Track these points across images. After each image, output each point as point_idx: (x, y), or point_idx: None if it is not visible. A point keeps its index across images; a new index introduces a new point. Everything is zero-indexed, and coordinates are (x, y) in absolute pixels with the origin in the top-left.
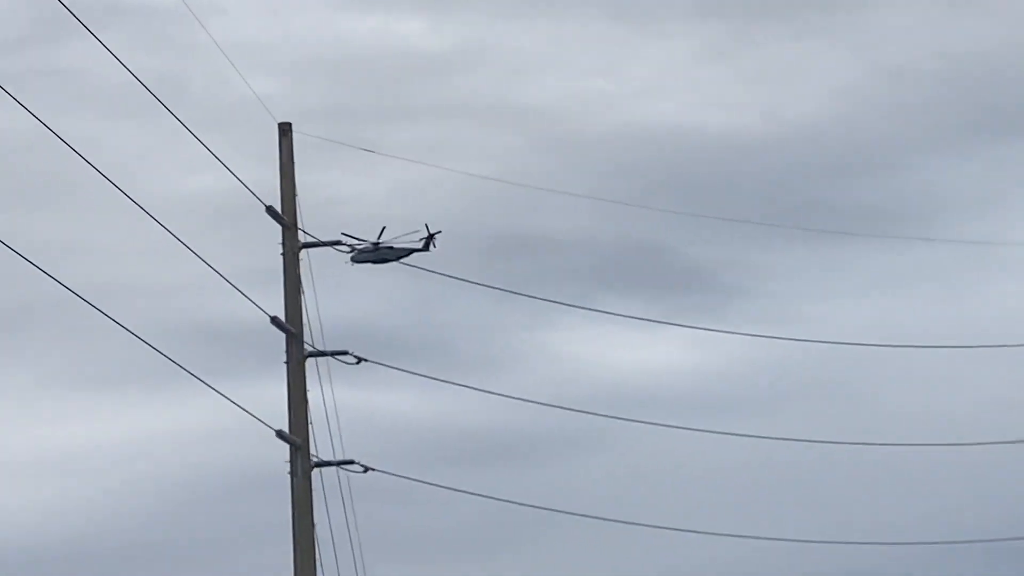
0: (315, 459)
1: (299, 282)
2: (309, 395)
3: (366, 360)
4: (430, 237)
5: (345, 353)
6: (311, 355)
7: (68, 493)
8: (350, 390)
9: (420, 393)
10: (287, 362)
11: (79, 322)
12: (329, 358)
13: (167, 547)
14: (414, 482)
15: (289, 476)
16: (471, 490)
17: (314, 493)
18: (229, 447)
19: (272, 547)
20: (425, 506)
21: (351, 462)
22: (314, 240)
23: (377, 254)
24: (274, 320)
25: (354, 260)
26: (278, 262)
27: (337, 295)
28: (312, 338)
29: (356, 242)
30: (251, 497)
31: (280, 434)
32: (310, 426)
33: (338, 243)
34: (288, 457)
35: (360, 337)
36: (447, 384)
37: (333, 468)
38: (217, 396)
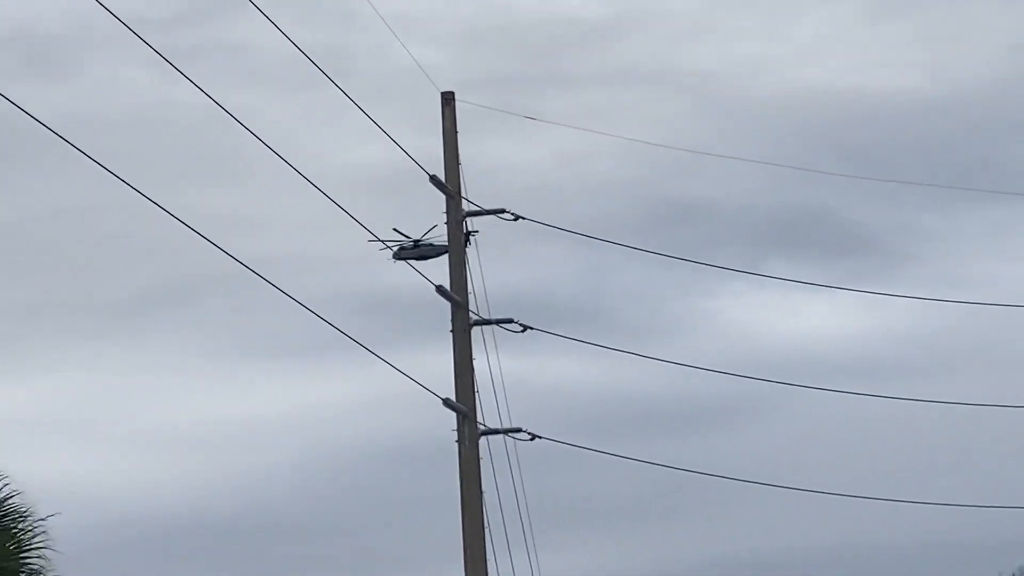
0: (482, 427)
1: (464, 251)
2: (475, 363)
3: (531, 328)
4: (467, 235)
5: (510, 321)
6: (476, 323)
7: (238, 464)
8: (516, 358)
9: (586, 361)
10: (453, 331)
11: (249, 294)
12: (494, 326)
13: (336, 516)
14: (581, 450)
15: (456, 444)
16: (638, 457)
17: (481, 461)
18: (396, 416)
19: (441, 514)
20: (592, 474)
21: (518, 430)
22: (478, 209)
23: (418, 251)
24: (439, 289)
25: (396, 257)
26: (443, 231)
27: (502, 263)
28: (477, 307)
29: (401, 240)
30: (419, 465)
31: (447, 402)
32: (476, 394)
33: (502, 211)
34: (455, 425)
35: (525, 305)
36: (613, 351)
37: (500, 436)
38: (384, 365)
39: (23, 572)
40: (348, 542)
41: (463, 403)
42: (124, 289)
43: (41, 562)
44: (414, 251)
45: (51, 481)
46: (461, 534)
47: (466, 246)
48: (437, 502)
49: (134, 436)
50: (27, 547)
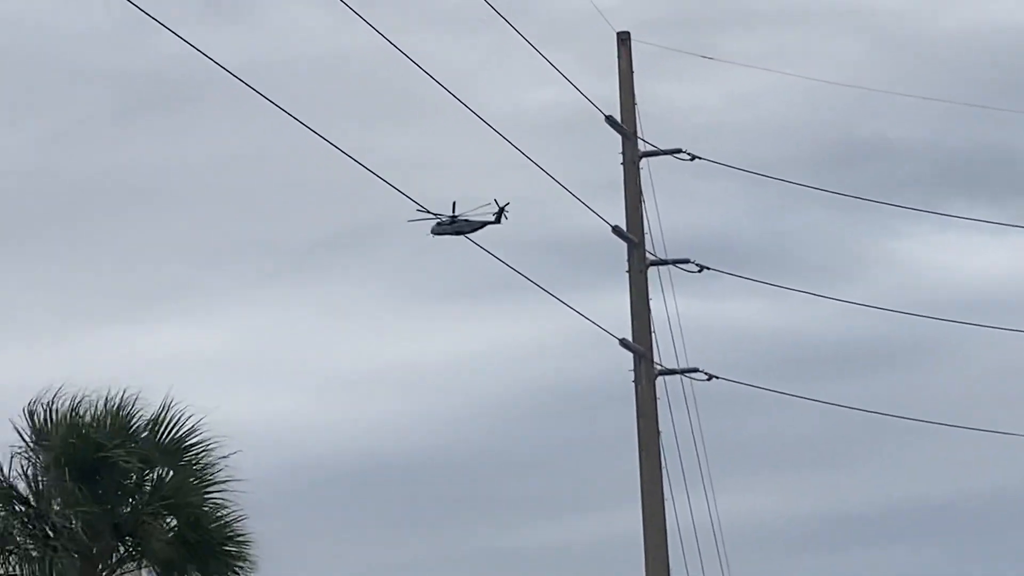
0: (659, 367)
1: (640, 191)
2: (651, 304)
3: (708, 268)
4: (501, 210)
5: (687, 261)
6: (653, 264)
7: (417, 405)
8: (692, 299)
9: (762, 301)
10: (629, 271)
11: (428, 237)
12: (671, 267)
13: (514, 457)
14: (758, 390)
15: (633, 384)
16: (816, 398)
17: (658, 401)
18: (573, 357)
19: (618, 455)
20: (769, 415)
21: (695, 370)
22: (654, 149)
23: (455, 227)
24: (616, 230)
25: (433, 232)
26: (619, 172)
27: (678, 204)
28: (653, 247)
29: (431, 216)
30: (596, 406)
31: (624, 343)
32: (653, 335)
33: (678, 151)
34: (632, 366)
35: (702, 245)
36: (790, 292)
37: (677, 376)
38: (562, 307)
39: (206, 507)
40: (525, 483)
41: (640, 343)
42: (307, 233)
43: (223, 497)
44: (451, 226)
45: (235, 420)
46: (638, 474)
47: (498, 222)
48: (614, 442)
49: (316, 377)
50: (210, 483)
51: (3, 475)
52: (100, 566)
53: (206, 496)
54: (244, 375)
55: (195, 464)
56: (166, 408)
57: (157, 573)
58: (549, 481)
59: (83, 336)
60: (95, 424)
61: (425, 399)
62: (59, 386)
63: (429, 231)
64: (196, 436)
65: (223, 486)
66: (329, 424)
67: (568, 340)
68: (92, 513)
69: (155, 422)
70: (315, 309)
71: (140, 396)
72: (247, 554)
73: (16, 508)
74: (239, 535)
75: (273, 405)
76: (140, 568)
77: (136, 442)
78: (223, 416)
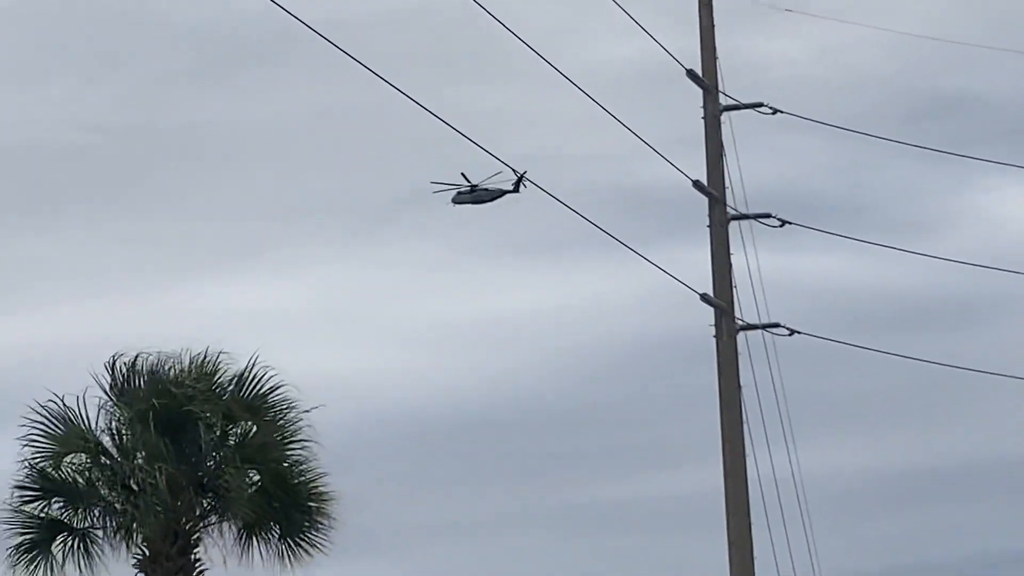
0: (740, 322)
1: (721, 146)
2: (732, 259)
3: (790, 223)
4: (519, 179)
5: (768, 216)
6: (734, 218)
7: (496, 360)
8: (773, 253)
9: (845, 256)
10: (710, 226)
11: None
12: (752, 221)
13: (594, 412)
14: (841, 345)
15: (714, 340)
16: (900, 353)
17: (739, 356)
18: (654, 313)
19: (699, 410)
20: (852, 370)
21: (776, 325)
22: (735, 103)
23: (475, 195)
24: (696, 184)
25: (454, 202)
26: (700, 127)
27: (759, 158)
28: (735, 201)
29: (451, 186)
30: (677, 362)
31: (705, 298)
32: (734, 289)
33: (760, 105)
34: (713, 321)
35: (784, 200)
36: (873, 247)
37: (758, 331)
38: (642, 262)
39: (288, 463)
40: (606, 438)
41: (720, 298)
42: (389, 188)
43: (305, 454)
44: (471, 195)
45: (316, 375)
46: (719, 429)
47: (516, 191)
48: (695, 398)
49: (396, 332)
50: (291, 439)
51: (88, 429)
52: (183, 520)
53: (288, 452)
54: (327, 331)
55: (278, 420)
56: (250, 364)
57: (239, 528)
58: (630, 437)
59: (167, 292)
60: (180, 380)
61: (506, 354)
62: (144, 342)
63: (450, 200)
64: (279, 392)
65: (306, 442)
66: (411, 379)
67: (649, 295)
68: (175, 468)
69: (239, 378)
70: (398, 264)
71: (224, 352)
72: (329, 510)
73: (101, 461)
74: (321, 491)
75: (356, 361)
76: (222, 523)
77: (220, 398)
78: (306, 372)
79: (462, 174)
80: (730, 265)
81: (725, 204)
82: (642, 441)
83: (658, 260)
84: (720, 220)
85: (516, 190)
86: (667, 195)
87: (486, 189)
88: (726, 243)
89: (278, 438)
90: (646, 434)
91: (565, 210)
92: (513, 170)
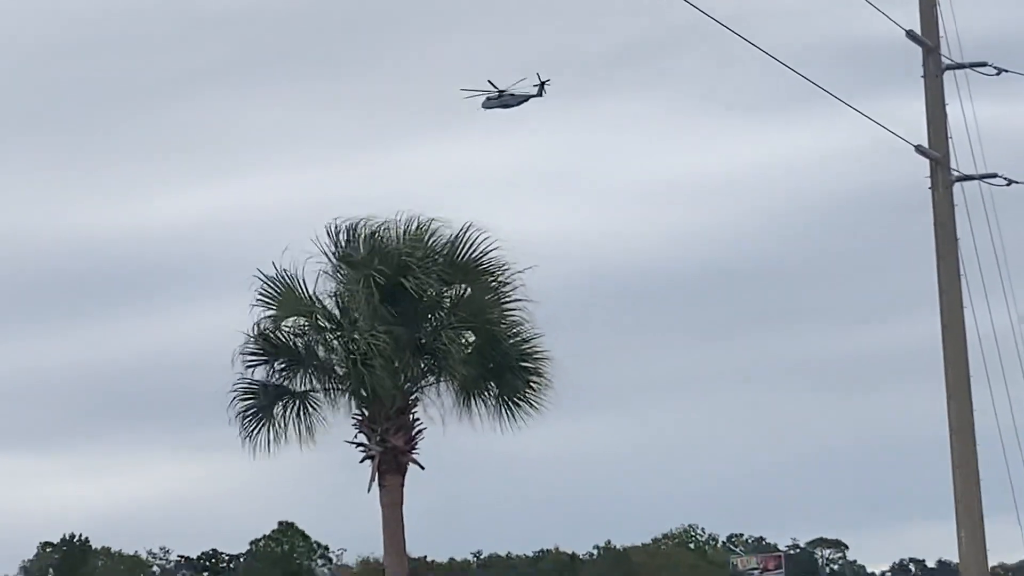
0: (955, 173)
1: None
2: (948, 109)
3: (1007, 71)
4: (542, 84)
5: (984, 65)
6: (949, 68)
7: (711, 216)
8: (990, 103)
9: None
10: (924, 76)
11: (723, 49)
12: (967, 70)
13: (808, 265)
14: None
15: (930, 191)
16: None
17: (955, 208)
18: (868, 165)
19: (915, 263)
20: None
21: (993, 175)
22: None
23: (501, 100)
24: (910, 34)
25: (484, 107)
26: (525, 82)
27: (974, 5)
28: (949, 51)
29: (481, 92)
30: (891, 214)
31: (919, 149)
32: (949, 140)
33: None
34: (927, 173)
35: (1000, 48)
36: None
37: (975, 182)
38: (855, 115)
39: (503, 324)
40: (818, 293)
41: (935, 150)
42: (601, 45)
43: (519, 314)
44: (499, 100)
45: (529, 235)
46: (936, 282)
47: (540, 95)
48: (910, 251)
49: (610, 190)
50: (507, 300)
51: (309, 293)
52: (402, 382)
53: (503, 312)
54: (536, 191)
55: (492, 282)
56: (463, 227)
57: (456, 389)
58: (843, 291)
59: (383, 156)
60: (396, 245)
61: (722, 210)
62: (361, 207)
63: (480, 105)
64: (492, 254)
65: (520, 302)
66: (625, 237)
67: (862, 149)
68: (394, 331)
69: (453, 242)
70: (604, 123)
71: (438, 216)
72: (543, 370)
73: (320, 324)
74: (535, 351)
75: (569, 220)
76: (439, 384)
77: (435, 262)
78: (518, 233)
79: (489, 81)
80: (945, 116)
81: (939, 54)
82: (856, 296)
83: (872, 113)
84: (935, 70)
85: (540, 94)
86: (879, 46)
87: (512, 94)
88: (941, 93)
89: (492, 299)
90: (860, 289)
91: (779, 66)
92: (539, 76)
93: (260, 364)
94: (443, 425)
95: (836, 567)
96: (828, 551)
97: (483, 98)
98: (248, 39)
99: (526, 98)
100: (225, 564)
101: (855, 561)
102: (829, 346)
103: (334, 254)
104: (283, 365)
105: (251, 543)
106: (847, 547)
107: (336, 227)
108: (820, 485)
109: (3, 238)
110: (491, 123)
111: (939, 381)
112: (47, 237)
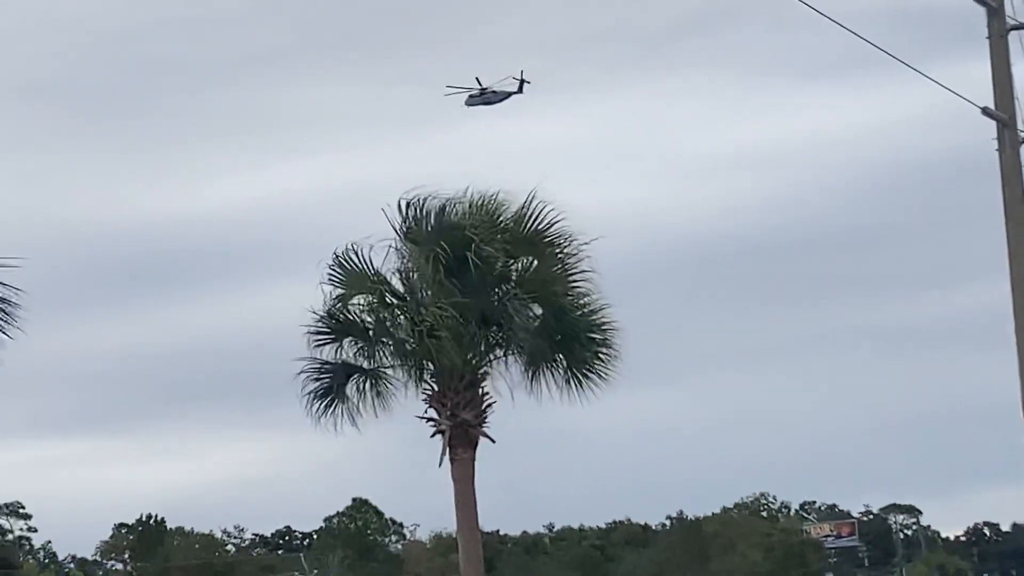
0: (1023, 134)
1: None
2: (1014, 70)
3: None
4: (522, 83)
5: None
6: (1014, 28)
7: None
8: None
9: None
10: (989, 37)
11: (785, 17)
12: None
13: (877, 230)
14: None
15: (997, 153)
16: None
17: (1023, 169)
18: (935, 129)
19: (983, 225)
20: None
21: None
22: None
23: (484, 98)
24: None
25: (467, 104)
26: (509, 79)
27: None
28: (1014, 11)
29: (464, 89)
30: (959, 176)
31: (986, 111)
32: (1016, 101)
33: None
34: (995, 134)
35: None
36: None
37: None
38: (919, 79)
39: (569, 295)
40: (888, 257)
41: (1002, 111)
42: (660, 18)
43: (586, 286)
44: (480, 97)
45: (595, 207)
46: (1005, 244)
47: (520, 92)
48: (979, 214)
49: (675, 162)
50: (572, 271)
51: (375, 269)
52: (470, 355)
53: (570, 284)
54: (602, 163)
55: (558, 254)
56: (529, 200)
57: (524, 362)
58: (911, 257)
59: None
60: (463, 220)
61: (787, 177)
62: (427, 182)
63: (463, 103)
64: (558, 226)
65: (586, 274)
66: (691, 207)
67: (931, 112)
68: (461, 304)
69: (519, 215)
70: (670, 94)
71: (504, 189)
72: (611, 341)
73: (387, 300)
74: (603, 322)
75: (634, 190)
76: (508, 357)
77: (502, 235)
78: (586, 204)
79: (476, 78)
80: (1011, 77)
81: (1004, 13)
82: (924, 260)
83: (937, 76)
84: (999, 31)
85: (520, 91)
86: (942, 7)
87: (495, 92)
88: (1006, 54)
89: (558, 271)
90: (928, 253)
91: (842, 32)
92: (521, 74)
93: (329, 343)
94: (512, 399)
95: (910, 533)
96: (902, 517)
97: (466, 96)
98: (311, 18)
99: (508, 95)
100: (299, 541)
101: (929, 527)
102: (899, 312)
103: (401, 231)
104: (352, 343)
105: (325, 520)
106: (920, 513)
107: (403, 204)
108: (893, 451)
109: (80, 224)
110: (559, 97)
111: (1010, 345)
112: (119, 223)
